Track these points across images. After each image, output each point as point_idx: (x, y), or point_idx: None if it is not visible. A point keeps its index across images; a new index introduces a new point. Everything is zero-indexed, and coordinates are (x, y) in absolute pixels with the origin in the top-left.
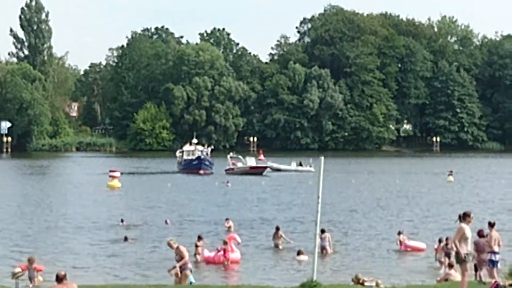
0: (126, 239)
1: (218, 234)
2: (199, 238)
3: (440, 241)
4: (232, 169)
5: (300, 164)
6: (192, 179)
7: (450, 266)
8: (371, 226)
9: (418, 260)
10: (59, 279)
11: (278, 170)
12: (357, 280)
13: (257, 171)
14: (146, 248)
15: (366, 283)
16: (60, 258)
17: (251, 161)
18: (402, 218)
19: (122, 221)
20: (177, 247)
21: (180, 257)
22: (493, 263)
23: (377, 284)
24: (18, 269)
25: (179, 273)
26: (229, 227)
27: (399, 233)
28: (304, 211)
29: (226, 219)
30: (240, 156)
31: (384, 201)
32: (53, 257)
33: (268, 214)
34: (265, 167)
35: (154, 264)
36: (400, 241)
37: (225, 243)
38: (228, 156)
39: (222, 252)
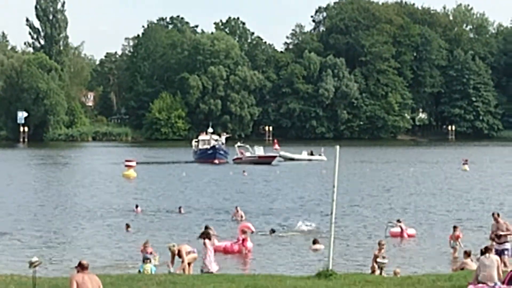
0: (128, 226)
1: (231, 223)
2: (207, 228)
3: (455, 228)
4: (240, 158)
5: (311, 153)
6: (207, 168)
7: (467, 255)
8: (382, 215)
9: (427, 247)
10: (82, 267)
11: (292, 159)
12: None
13: (266, 160)
14: (157, 235)
15: (379, 260)
16: (77, 246)
17: (259, 150)
18: (413, 206)
19: (136, 207)
20: (179, 250)
21: (182, 259)
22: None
23: (395, 273)
24: (35, 258)
25: (186, 266)
26: (241, 216)
27: (399, 220)
28: (318, 200)
29: (236, 208)
30: (247, 146)
31: (397, 190)
32: (70, 245)
33: (283, 203)
34: (274, 156)
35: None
36: (402, 228)
37: (244, 232)
38: (236, 146)
39: (240, 241)
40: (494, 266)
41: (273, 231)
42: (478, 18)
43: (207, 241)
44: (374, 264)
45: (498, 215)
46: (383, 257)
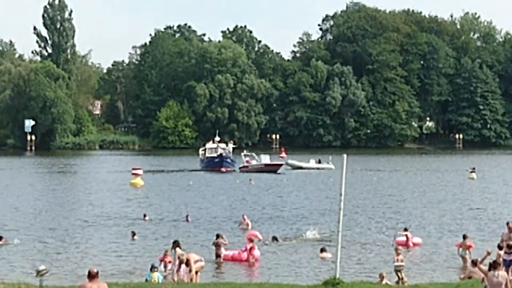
0: (134, 234)
1: (238, 231)
2: (218, 236)
3: (464, 237)
4: (247, 166)
5: (319, 162)
6: (214, 176)
7: (474, 263)
8: (390, 223)
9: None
10: (91, 276)
11: (300, 167)
12: (381, 278)
13: (272, 168)
14: (164, 244)
15: (395, 264)
16: (84, 255)
17: (265, 159)
18: (420, 215)
19: (144, 216)
20: (187, 259)
21: (189, 268)
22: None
23: (402, 282)
24: (42, 267)
25: (194, 275)
26: (247, 224)
27: (406, 229)
28: (325, 208)
29: (243, 216)
30: (254, 154)
31: (404, 198)
32: (76, 254)
33: (290, 211)
34: (280, 164)
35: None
36: (407, 237)
37: (251, 240)
38: (242, 154)
39: (248, 250)
40: (502, 284)
41: (275, 239)
42: (485, 26)
43: (178, 249)
44: (398, 272)
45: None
46: (400, 260)
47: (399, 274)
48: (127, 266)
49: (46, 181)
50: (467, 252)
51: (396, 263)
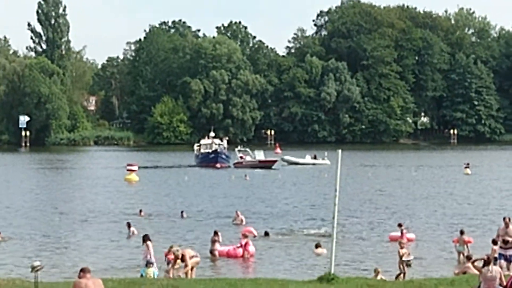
0: (129, 225)
1: (232, 227)
2: (216, 233)
3: (462, 232)
4: (241, 162)
5: (315, 157)
6: (209, 172)
7: (468, 258)
8: (385, 219)
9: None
10: (84, 272)
11: (296, 163)
12: (376, 273)
13: (266, 164)
14: (159, 239)
15: (404, 258)
16: (79, 251)
17: (259, 155)
18: (415, 210)
19: (140, 211)
20: (183, 255)
21: (185, 264)
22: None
23: (397, 277)
24: (37, 263)
25: (189, 271)
26: (241, 220)
27: (400, 225)
28: (319, 204)
29: (236, 212)
30: (248, 149)
31: (399, 194)
32: (72, 250)
33: (284, 207)
34: (275, 161)
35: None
36: (402, 233)
37: (245, 236)
38: (236, 150)
39: (243, 246)
40: (496, 278)
41: (266, 233)
42: (480, 21)
43: (149, 243)
44: (400, 265)
45: (510, 219)
46: (408, 254)
47: (401, 267)
48: (122, 261)
49: (41, 177)
50: (465, 247)
51: (406, 258)
